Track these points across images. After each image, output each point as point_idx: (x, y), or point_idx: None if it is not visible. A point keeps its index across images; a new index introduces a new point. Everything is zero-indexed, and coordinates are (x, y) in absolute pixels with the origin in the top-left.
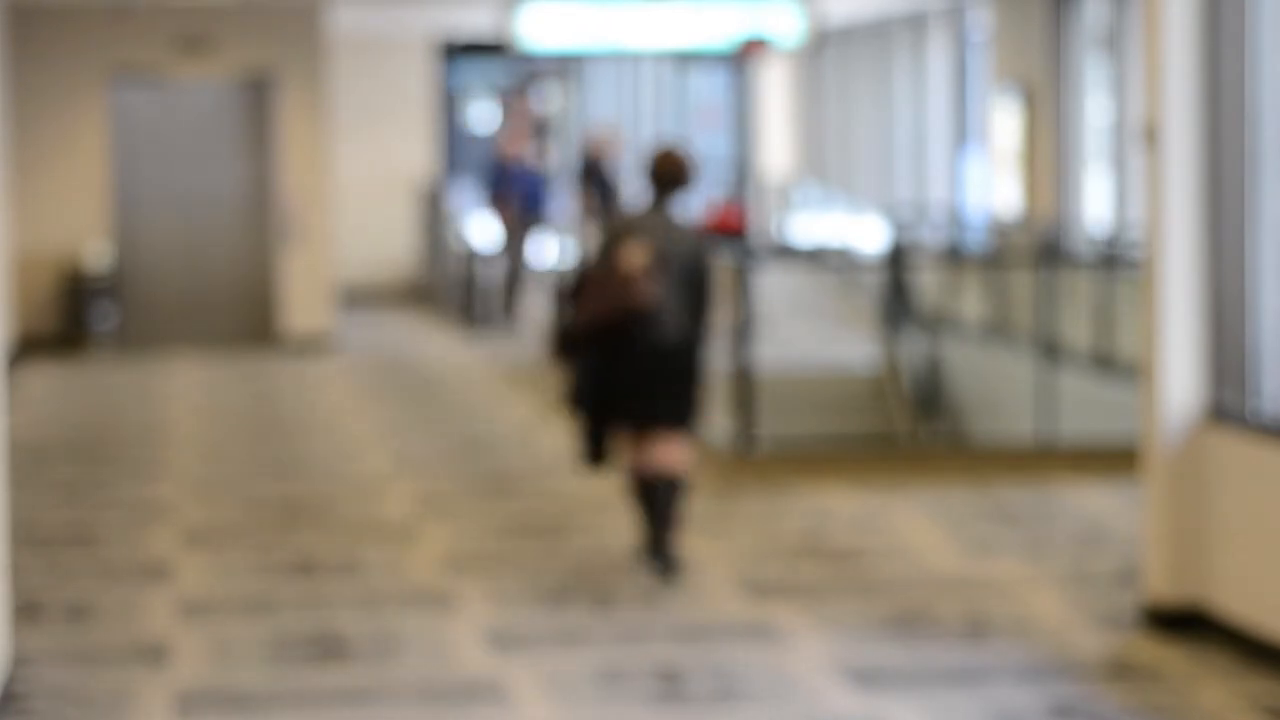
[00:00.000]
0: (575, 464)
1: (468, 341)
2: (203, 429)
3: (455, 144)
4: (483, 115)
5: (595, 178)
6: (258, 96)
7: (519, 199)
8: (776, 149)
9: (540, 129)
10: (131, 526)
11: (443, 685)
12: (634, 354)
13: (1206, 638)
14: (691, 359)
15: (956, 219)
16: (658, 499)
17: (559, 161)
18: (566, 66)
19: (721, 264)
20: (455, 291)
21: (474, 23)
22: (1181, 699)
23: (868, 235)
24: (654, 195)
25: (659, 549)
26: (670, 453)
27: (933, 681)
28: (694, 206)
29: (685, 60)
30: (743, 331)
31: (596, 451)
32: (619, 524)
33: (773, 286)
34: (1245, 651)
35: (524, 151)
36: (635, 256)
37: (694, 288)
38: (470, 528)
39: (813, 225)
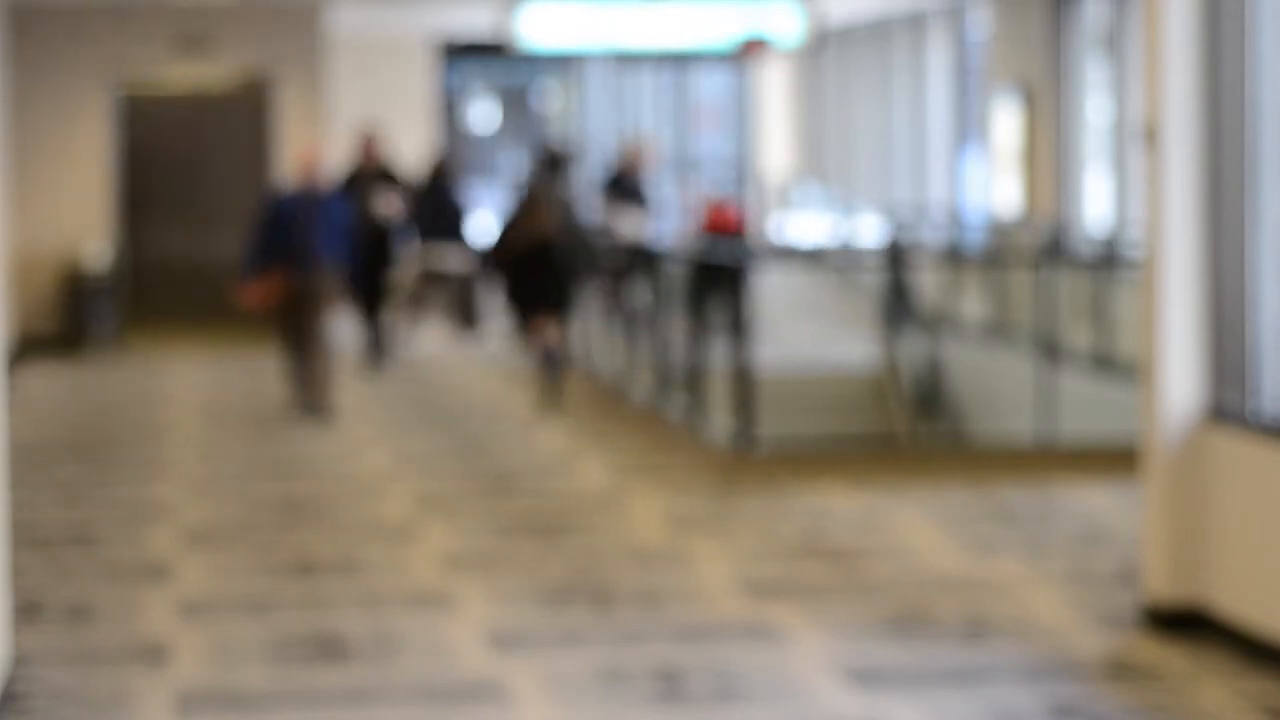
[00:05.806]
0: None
1: (467, 341)
2: (203, 429)
3: (455, 144)
4: (483, 115)
5: (622, 188)
6: (257, 97)
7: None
8: (776, 149)
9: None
10: (131, 526)
11: (443, 685)
12: (541, 265)
13: (1206, 638)
14: (571, 269)
15: (956, 219)
16: (550, 363)
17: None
18: (566, 66)
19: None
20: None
21: (474, 23)
22: (1181, 699)
23: (867, 235)
24: (549, 172)
25: (552, 391)
26: (554, 333)
27: (932, 681)
28: (689, 207)
29: (685, 60)
30: (743, 331)
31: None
32: (619, 524)
33: (773, 286)
34: (1245, 651)
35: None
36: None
37: (571, 224)
38: (470, 527)
39: (813, 225)
